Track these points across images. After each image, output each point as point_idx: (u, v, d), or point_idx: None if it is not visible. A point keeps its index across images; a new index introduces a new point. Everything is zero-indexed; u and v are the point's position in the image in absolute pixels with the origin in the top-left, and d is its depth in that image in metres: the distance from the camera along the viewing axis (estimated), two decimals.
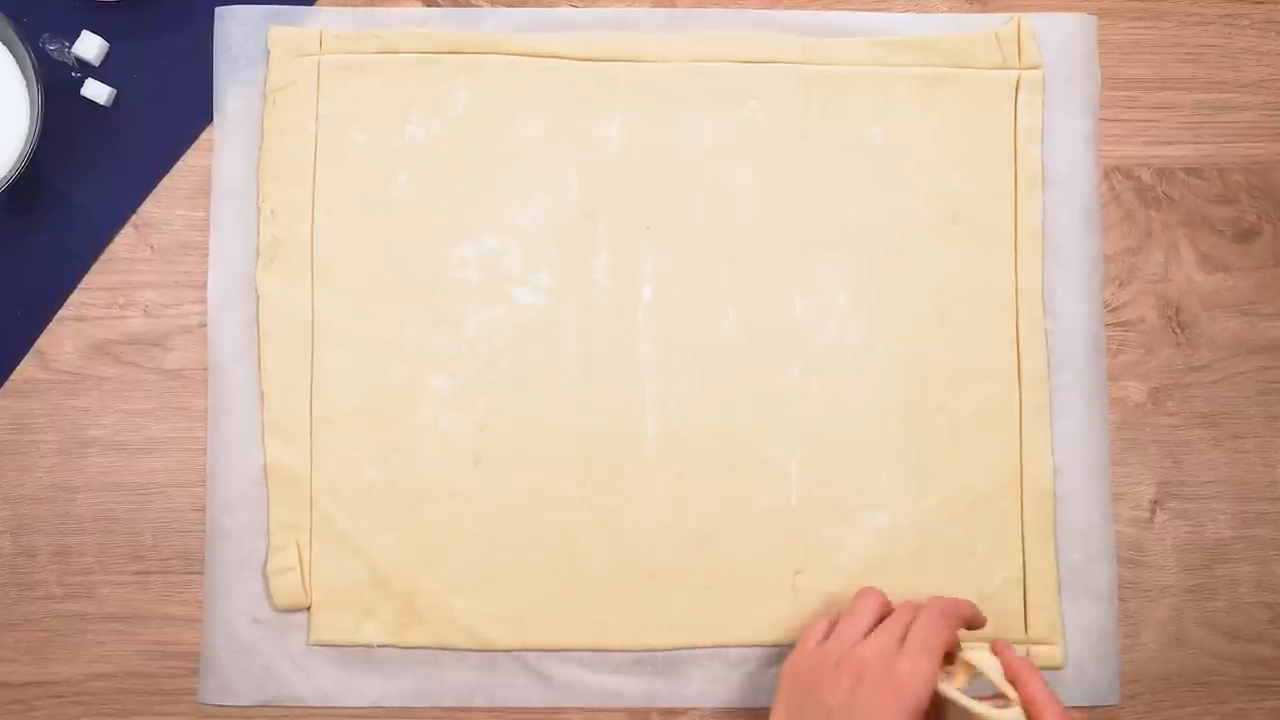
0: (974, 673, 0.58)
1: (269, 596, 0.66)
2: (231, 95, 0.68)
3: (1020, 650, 0.66)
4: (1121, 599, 0.68)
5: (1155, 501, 0.68)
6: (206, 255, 0.68)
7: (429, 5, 0.69)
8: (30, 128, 0.63)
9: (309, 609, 0.66)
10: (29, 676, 0.66)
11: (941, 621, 0.58)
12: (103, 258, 0.68)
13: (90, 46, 0.68)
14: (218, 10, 0.68)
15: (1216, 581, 0.68)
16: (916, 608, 0.59)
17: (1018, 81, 0.69)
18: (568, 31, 0.69)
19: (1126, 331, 0.69)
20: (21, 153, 0.62)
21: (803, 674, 0.58)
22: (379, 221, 0.68)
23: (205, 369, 0.67)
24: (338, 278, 0.67)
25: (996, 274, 0.68)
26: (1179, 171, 0.70)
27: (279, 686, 0.66)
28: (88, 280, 0.68)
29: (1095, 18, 0.70)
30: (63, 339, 0.67)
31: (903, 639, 0.57)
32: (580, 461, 0.67)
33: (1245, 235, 0.70)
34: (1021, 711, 0.55)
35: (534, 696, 0.66)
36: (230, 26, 0.68)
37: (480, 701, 0.66)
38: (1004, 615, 0.66)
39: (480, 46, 0.68)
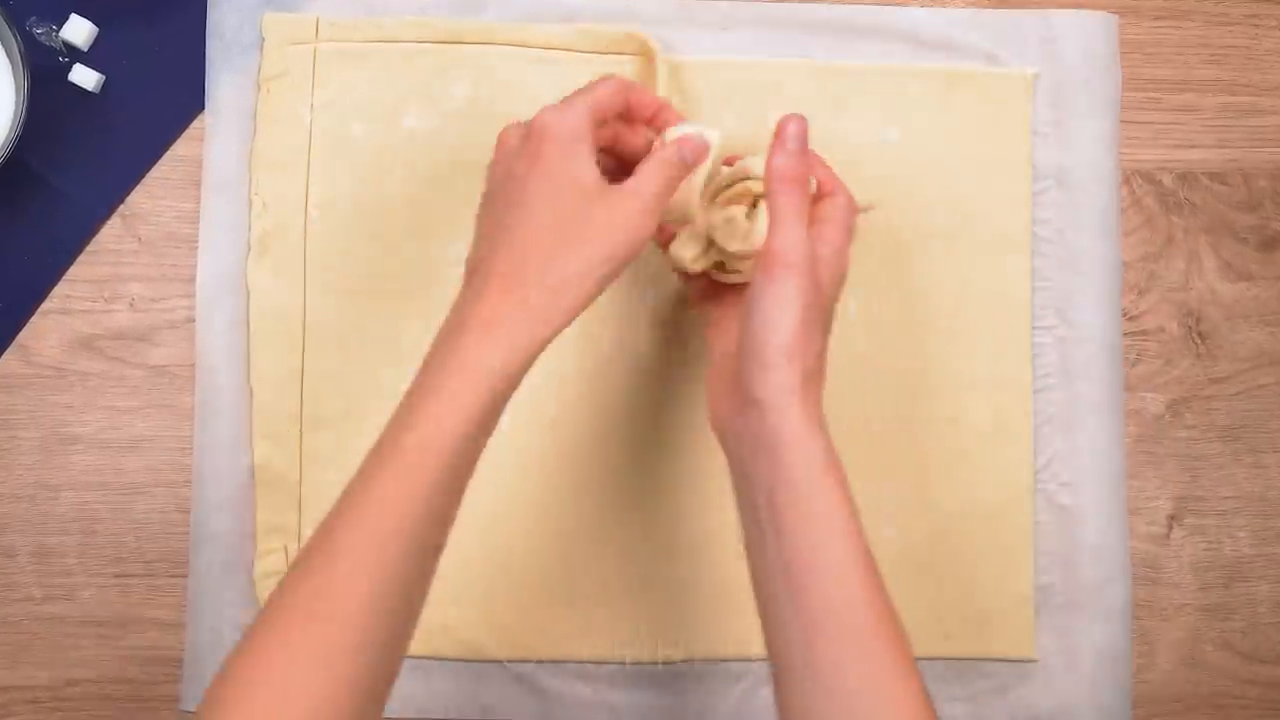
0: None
1: (256, 601, 0.64)
2: (224, 83, 0.67)
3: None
4: (1136, 617, 0.66)
5: (1172, 517, 0.67)
6: (195, 248, 0.66)
7: None
8: (16, 114, 0.62)
9: None
10: (6, 681, 0.65)
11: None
12: (88, 249, 0.66)
13: (79, 30, 0.66)
14: None
15: (1234, 601, 0.67)
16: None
17: (1036, 81, 0.67)
18: (572, 22, 0.67)
19: (1145, 341, 0.68)
20: (6, 139, 0.62)
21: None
22: (374, 216, 0.66)
23: (192, 366, 0.66)
24: (331, 274, 0.66)
25: (1010, 279, 0.67)
26: (1202, 176, 0.69)
27: None
28: (72, 272, 0.66)
29: (1117, 17, 0.69)
30: (46, 333, 0.66)
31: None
32: (577, 468, 0.65)
33: (1269, 243, 0.69)
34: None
35: (527, 709, 0.65)
36: (224, 12, 0.67)
37: (472, 713, 0.65)
38: (1018, 631, 0.65)
39: (481, 37, 0.67)
